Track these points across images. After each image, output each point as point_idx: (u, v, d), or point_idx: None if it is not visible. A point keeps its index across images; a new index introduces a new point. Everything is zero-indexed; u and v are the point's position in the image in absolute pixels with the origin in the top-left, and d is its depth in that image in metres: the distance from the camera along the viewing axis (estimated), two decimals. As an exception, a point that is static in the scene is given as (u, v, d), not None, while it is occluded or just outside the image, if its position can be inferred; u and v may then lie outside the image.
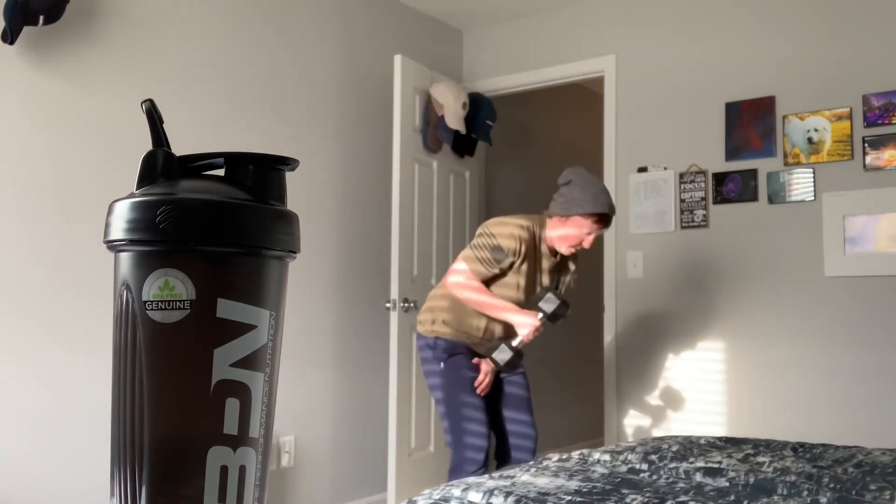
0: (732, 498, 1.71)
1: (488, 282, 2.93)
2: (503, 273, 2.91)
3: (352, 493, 3.96)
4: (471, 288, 2.89)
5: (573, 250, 2.93)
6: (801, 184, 3.64)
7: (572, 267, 3.11)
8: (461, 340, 3.01)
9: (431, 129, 4.16)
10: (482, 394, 2.95)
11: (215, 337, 0.45)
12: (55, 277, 2.84)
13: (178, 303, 0.44)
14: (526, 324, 2.84)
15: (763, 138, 3.75)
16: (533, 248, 2.93)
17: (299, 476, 3.67)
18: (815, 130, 3.61)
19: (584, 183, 2.84)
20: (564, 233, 2.87)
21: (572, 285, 3.16)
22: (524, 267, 2.92)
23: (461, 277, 2.91)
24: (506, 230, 2.87)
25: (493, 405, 3.07)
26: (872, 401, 3.41)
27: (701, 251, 3.92)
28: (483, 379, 2.94)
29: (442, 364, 2.98)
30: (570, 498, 1.67)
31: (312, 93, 3.87)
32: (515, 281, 2.93)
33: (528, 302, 2.91)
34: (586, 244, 2.89)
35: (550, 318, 2.85)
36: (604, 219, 2.84)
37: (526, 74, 4.62)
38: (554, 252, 2.99)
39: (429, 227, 4.15)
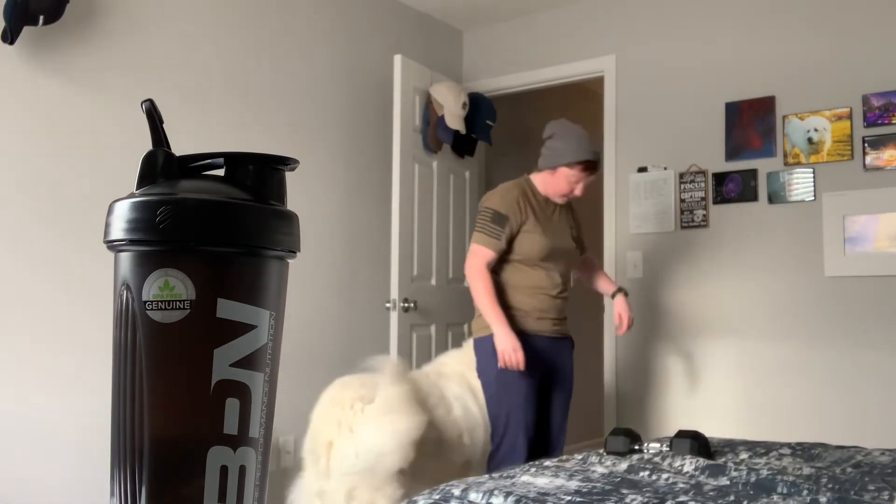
0: (732, 498, 1.71)
1: (511, 248, 2.96)
2: (515, 236, 2.96)
3: (352, 493, 3.95)
4: (483, 280, 2.90)
5: (566, 199, 3.06)
6: (801, 184, 3.64)
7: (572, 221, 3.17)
8: (517, 329, 2.93)
9: (431, 129, 4.16)
10: (522, 367, 2.85)
11: (215, 337, 0.45)
12: (55, 277, 2.84)
13: (178, 303, 0.44)
14: (505, 341, 2.83)
15: (763, 138, 3.75)
16: (535, 203, 3.01)
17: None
18: (815, 130, 3.61)
19: (567, 133, 2.95)
20: (555, 185, 2.99)
21: (579, 235, 3.21)
22: (536, 221, 2.97)
23: (477, 259, 2.93)
24: (497, 198, 2.97)
25: (542, 406, 3.06)
26: (872, 401, 3.42)
27: (701, 251, 3.92)
28: (507, 357, 2.84)
29: (501, 363, 2.89)
30: (569, 498, 1.67)
31: (312, 93, 3.87)
32: (532, 238, 2.97)
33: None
34: (578, 192, 3.01)
35: None
36: (590, 166, 2.94)
37: (526, 74, 4.62)
38: (553, 203, 3.07)
39: (429, 227, 4.15)
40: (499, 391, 2.89)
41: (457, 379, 3.03)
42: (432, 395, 2.94)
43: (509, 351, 2.82)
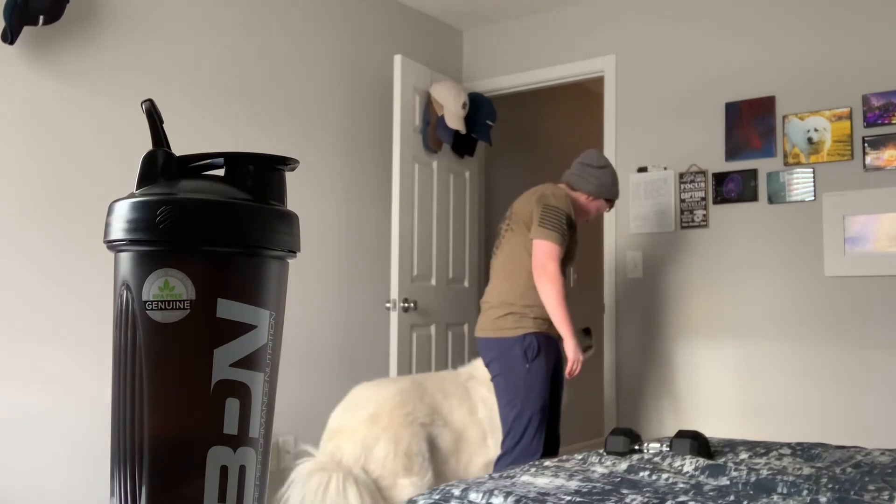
0: (732, 498, 1.71)
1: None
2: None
3: (352, 493, 3.95)
4: (560, 285, 2.92)
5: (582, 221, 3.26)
6: (801, 184, 3.64)
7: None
8: (544, 331, 2.99)
9: (431, 129, 4.16)
10: (576, 376, 3.03)
11: (215, 337, 0.45)
12: (55, 277, 2.84)
13: (178, 303, 0.44)
14: (578, 351, 2.95)
15: (763, 138, 3.75)
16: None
17: (299, 476, 3.67)
18: (815, 130, 3.61)
19: (613, 172, 3.20)
20: (587, 208, 3.20)
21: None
22: (574, 232, 3.09)
23: (554, 261, 2.92)
24: (564, 202, 3.03)
25: (551, 406, 3.09)
26: (872, 401, 3.41)
27: (701, 251, 3.92)
28: (577, 366, 2.99)
29: (528, 366, 2.93)
30: (569, 498, 1.67)
31: (313, 93, 3.87)
32: (572, 249, 3.08)
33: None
34: (589, 219, 3.29)
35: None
36: (612, 203, 3.28)
37: (526, 74, 4.62)
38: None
39: (429, 227, 4.15)
40: (524, 393, 2.91)
41: (487, 383, 3.05)
42: (454, 396, 2.97)
43: (579, 361, 2.97)
